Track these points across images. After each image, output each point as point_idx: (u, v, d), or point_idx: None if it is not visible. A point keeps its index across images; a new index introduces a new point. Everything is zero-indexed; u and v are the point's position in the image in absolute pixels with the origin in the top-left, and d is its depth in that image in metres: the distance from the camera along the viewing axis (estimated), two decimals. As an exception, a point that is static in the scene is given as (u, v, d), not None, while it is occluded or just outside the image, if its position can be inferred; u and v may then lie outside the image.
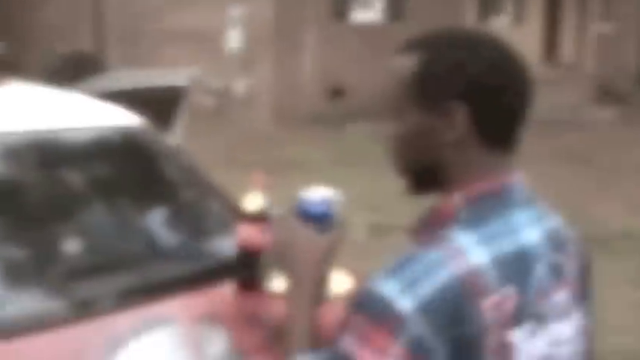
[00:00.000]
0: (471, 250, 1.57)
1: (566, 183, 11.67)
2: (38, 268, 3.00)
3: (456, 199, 1.65)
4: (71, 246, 3.13)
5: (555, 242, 1.71)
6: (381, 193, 9.17)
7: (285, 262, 1.80)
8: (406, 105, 1.68)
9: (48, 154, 3.51)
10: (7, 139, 3.39)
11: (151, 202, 3.51)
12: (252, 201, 2.78)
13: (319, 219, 1.84)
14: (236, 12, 15.27)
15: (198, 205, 3.70)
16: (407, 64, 1.68)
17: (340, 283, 2.85)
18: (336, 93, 16.16)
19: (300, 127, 14.94)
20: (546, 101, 17.69)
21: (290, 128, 14.79)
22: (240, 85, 15.69)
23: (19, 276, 2.95)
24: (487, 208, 1.64)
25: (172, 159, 3.78)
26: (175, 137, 5.48)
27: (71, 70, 14.82)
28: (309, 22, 15.63)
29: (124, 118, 3.82)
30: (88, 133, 3.67)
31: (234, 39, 15.42)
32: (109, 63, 17.41)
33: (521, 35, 19.37)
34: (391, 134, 1.72)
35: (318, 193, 1.86)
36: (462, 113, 1.62)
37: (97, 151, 3.67)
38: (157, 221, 3.34)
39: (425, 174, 1.72)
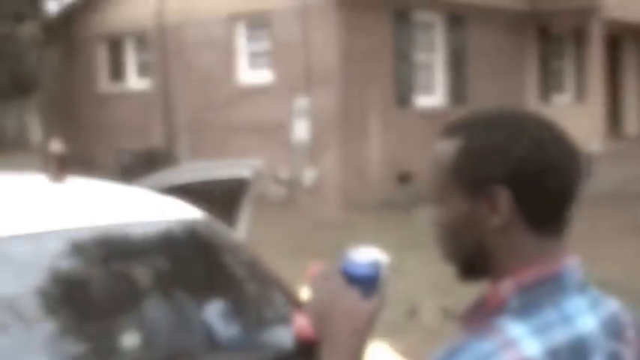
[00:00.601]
0: (523, 342, 1.48)
1: (635, 259, 11.46)
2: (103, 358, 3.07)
3: (505, 286, 1.57)
4: (131, 340, 3.18)
5: (613, 329, 1.61)
6: (452, 276, 9.08)
7: (322, 325, 1.64)
8: (449, 191, 1.63)
9: (111, 248, 3.60)
10: (72, 235, 3.50)
11: (211, 295, 3.55)
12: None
13: (365, 282, 1.68)
14: (301, 103, 15.51)
15: (258, 298, 3.72)
16: (447, 148, 1.63)
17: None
18: (403, 178, 16.22)
19: (369, 213, 14.97)
20: (613, 175, 17.54)
21: (358, 215, 14.83)
22: (308, 174, 15.85)
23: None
24: (538, 295, 1.55)
25: (233, 252, 3.84)
26: (241, 228, 5.55)
27: (143, 166, 15.09)
28: (373, 109, 15.80)
29: (186, 212, 3.90)
30: (149, 228, 3.76)
31: (300, 129, 15.64)
32: (179, 157, 17.71)
33: (583, 112, 19.27)
34: (437, 221, 1.66)
35: (366, 255, 1.76)
36: (504, 197, 1.55)
37: (158, 245, 3.75)
38: (216, 314, 3.37)
39: (472, 261, 1.65)
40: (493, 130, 1.60)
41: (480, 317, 1.59)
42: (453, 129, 1.66)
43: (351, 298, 1.67)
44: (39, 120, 24.34)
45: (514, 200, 1.56)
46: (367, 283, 1.70)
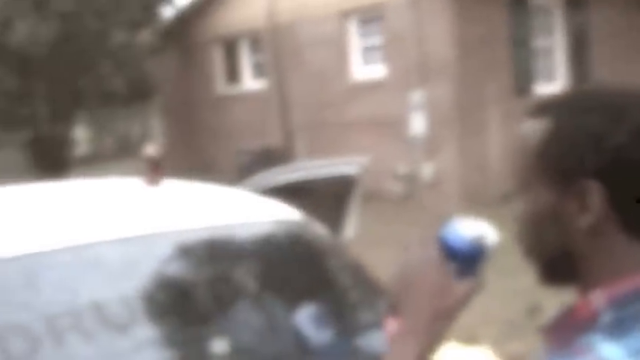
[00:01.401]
0: None
1: None
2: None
3: (596, 298, 1.33)
4: (223, 345, 3.08)
5: None
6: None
7: (405, 299, 1.41)
8: (534, 179, 1.40)
9: (205, 251, 3.53)
10: (177, 237, 3.43)
11: (308, 300, 3.42)
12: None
13: (464, 260, 1.43)
14: (417, 96, 15.26)
15: (357, 303, 3.58)
16: (535, 130, 1.41)
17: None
18: (525, 169, 15.80)
19: (489, 207, 14.59)
20: None
21: (479, 209, 14.47)
22: (426, 170, 15.59)
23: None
24: (635, 312, 1.30)
25: (332, 255, 3.71)
26: (348, 227, 5.40)
27: (261, 167, 15.12)
28: (491, 100, 15.42)
29: (284, 214, 3.79)
30: (245, 230, 3.67)
31: (417, 123, 15.39)
32: (296, 156, 17.72)
33: None
34: (519, 213, 1.43)
35: (473, 228, 1.51)
36: (597, 194, 1.32)
37: (253, 248, 3.66)
38: (312, 319, 3.25)
39: (555, 263, 1.41)
40: (588, 111, 1.36)
41: (566, 331, 1.35)
42: (542, 108, 1.43)
43: (444, 275, 1.44)
44: (160, 125, 24.79)
45: (608, 198, 1.31)
46: (466, 260, 1.46)
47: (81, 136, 29.98)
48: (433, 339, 1.43)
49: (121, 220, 3.51)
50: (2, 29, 17.80)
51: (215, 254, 3.57)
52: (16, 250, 3.17)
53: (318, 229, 3.81)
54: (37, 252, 3.18)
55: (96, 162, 26.88)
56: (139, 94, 20.93)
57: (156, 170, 4.10)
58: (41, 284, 3.09)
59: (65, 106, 19.81)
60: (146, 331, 3.06)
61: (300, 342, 3.21)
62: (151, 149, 4.14)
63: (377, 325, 3.14)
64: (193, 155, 21.19)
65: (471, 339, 3.50)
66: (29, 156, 20.90)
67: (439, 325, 1.43)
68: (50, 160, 19.85)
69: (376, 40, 16.92)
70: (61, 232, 3.34)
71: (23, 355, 2.79)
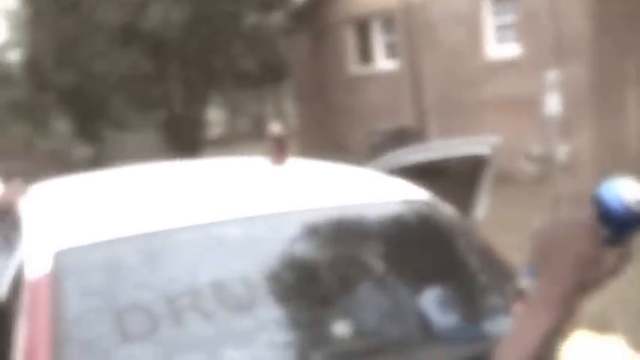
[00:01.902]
0: None
1: None
2: (314, 347, 2.94)
3: None
4: (344, 327, 3.01)
5: None
6: None
7: (547, 266, 1.28)
8: None
9: (331, 231, 3.48)
10: (302, 217, 3.39)
11: (433, 282, 3.32)
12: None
13: (619, 225, 1.28)
14: (552, 76, 14.86)
15: (484, 287, 3.44)
16: None
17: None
18: (665, 151, 15.25)
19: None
20: None
21: (617, 191, 14.08)
22: (561, 151, 15.18)
23: (296, 355, 2.89)
24: None
25: (460, 236, 3.59)
26: (479, 208, 5.27)
27: (393, 147, 15.04)
28: (630, 80, 14.89)
29: (411, 194, 3.70)
30: (370, 210, 3.59)
31: (552, 104, 14.99)
32: (429, 135, 17.55)
33: None
34: None
35: (634, 191, 1.32)
36: None
37: (379, 228, 3.57)
38: (437, 303, 3.15)
39: None
40: None
41: None
42: None
43: (594, 242, 1.29)
44: (293, 106, 24.96)
45: None
46: (620, 226, 1.30)
47: (215, 117, 30.46)
48: (568, 313, 1.29)
49: (244, 199, 3.48)
50: (137, 13, 18.17)
51: (340, 234, 3.50)
52: (139, 229, 3.18)
53: (447, 210, 3.70)
54: (159, 230, 3.18)
55: (229, 143, 27.27)
56: (271, 75, 21.09)
57: (281, 149, 4.06)
58: (163, 263, 3.08)
59: (199, 88, 20.13)
60: (268, 312, 3.01)
61: (425, 325, 3.12)
62: (276, 127, 4.10)
63: (505, 310, 3.02)
64: (326, 136, 21.25)
65: (603, 326, 3.34)
66: (164, 137, 21.35)
67: (579, 297, 1.29)
68: (184, 141, 20.22)
69: (510, 17, 16.56)
70: (184, 210, 3.33)
71: (143, 334, 2.79)
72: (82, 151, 27.70)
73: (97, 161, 22.65)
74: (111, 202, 3.67)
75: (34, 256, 3.06)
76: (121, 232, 3.15)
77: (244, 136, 31.52)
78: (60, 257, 3.01)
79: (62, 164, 23.41)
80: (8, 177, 5.52)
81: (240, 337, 2.89)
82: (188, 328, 2.84)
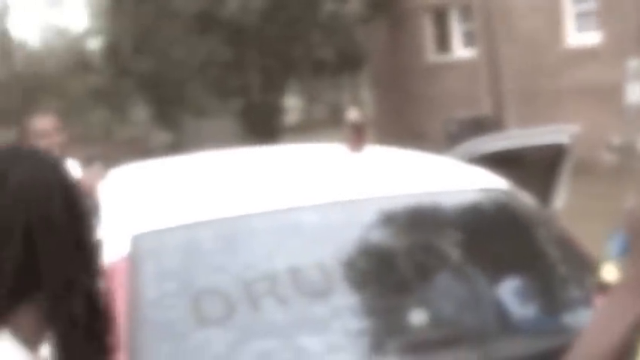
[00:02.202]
0: None
1: None
2: (389, 336, 2.91)
3: None
4: (421, 316, 2.98)
5: None
6: None
7: (638, 243, 1.22)
8: None
9: (408, 218, 3.46)
10: (379, 204, 3.37)
11: (510, 272, 3.27)
12: (610, 271, 2.45)
13: None
14: (634, 65, 14.57)
15: (564, 278, 3.38)
16: None
17: None
18: None
19: None
20: None
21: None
22: (642, 140, 14.90)
23: (368, 347, 2.88)
24: None
25: (539, 225, 3.53)
26: (557, 198, 5.19)
27: (470, 135, 14.93)
28: None
29: (489, 182, 3.65)
30: (448, 198, 3.55)
31: (633, 93, 14.71)
32: (506, 124, 17.37)
33: None
34: None
35: None
36: None
37: (457, 216, 3.54)
38: (514, 293, 3.10)
39: None
40: None
41: None
42: None
43: None
44: (369, 95, 24.91)
45: None
46: None
47: (292, 104, 30.57)
48: None
49: (322, 186, 3.47)
50: (215, 1, 18.30)
51: (418, 222, 3.47)
52: (216, 214, 3.19)
53: (526, 199, 3.64)
54: (237, 216, 3.18)
55: (305, 131, 27.32)
56: (348, 63, 21.09)
57: (359, 136, 4.03)
58: (240, 248, 3.09)
59: (276, 76, 20.20)
60: (344, 299, 3.00)
61: (502, 316, 3.08)
62: (354, 114, 4.07)
63: (586, 302, 2.96)
64: (402, 124, 21.18)
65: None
66: (241, 124, 21.48)
67: None
68: (262, 128, 20.33)
69: (590, 5, 16.28)
70: (261, 196, 3.33)
71: (220, 318, 2.80)
72: (160, 137, 28.04)
73: (174, 148, 22.90)
74: (189, 187, 3.70)
75: (113, 239, 3.10)
76: (198, 216, 3.17)
77: (320, 124, 31.56)
78: (138, 241, 3.04)
79: (140, 150, 23.73)
80: (88, 162, 5.61)
81: (316, 323, 2.89)
82: (264, 314, 2.84)
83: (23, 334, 1.58)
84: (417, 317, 2.98)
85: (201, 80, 19.93)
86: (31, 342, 1.60)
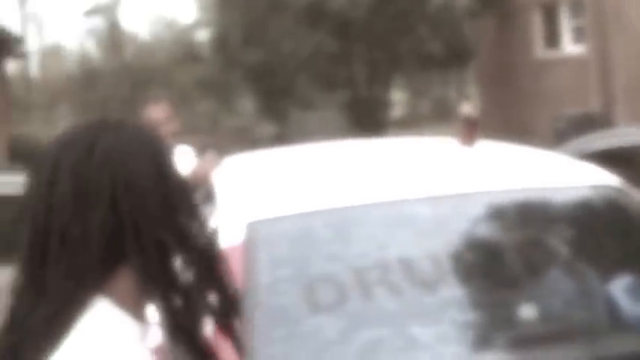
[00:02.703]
0: None
1: None
2: (498, 329, 2.94)
3: None
4: (529, 311, 2.99)
5: None
6: None
7: None
8: None
9: (518, 213, 3.48)
10: (489, 198, 3.40)
11: (622, 269, 3.25)
12: None
13: None
14: None
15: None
16: None
17: None
18: None
19: None
20: None
21: None
22: None
23: (477, 340, 2.90)
24: None
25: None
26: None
27: (578, 132, 14.71)
28: None
29: (601, 179, 3.62)
30: (560, 194, 3.54)
31: None
32: (616, 122, 17.04)
33: None
34: None
35: None
36: None
37: (568, 212, 3.53)
38: (627, 290, 3.08)
39: None
40: None
41: None
42: None
43: None
44: (475, 90, 24.73)
45: None
46: None
47: (397, 98, 30.54)
48: None
49: (433, 179, 3.50)
50: (325, -7, 18.41)
51: (527, 217, 3.48)
52: (329, 204, 3.25)
53: (637, 196, 3.61)
54: (350, 206, 3.24)
55: (411, 124, 27.27)
56: (456, 58, 20.95)
57: (472, 130, 4.04)
58: (353, 237, 3.15)
59: (383, 69, 20.21)
60: (453, 291, 3.03)
61: (613, 313, 3.06)
62: (467, 108, 4.08)
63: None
64: (509, 120, 20.96)
65: None
66: (347, 116, 21.55)
67: None
68: (367, 121, 20.36)
69: None
70: (373, 187, 3.38)
71: (333, 304, 2.86)
72: (265, 128, 28.32)
73: (280, 139, 23.12)
74: (302, 177, 3.77)
75: (228, 225, 3.18)
76: (311, 205, 3.24)
77: (424, 119, 31.46)
78: (252, 227, 3.12)
79: (246, 141, 24.02)
80: (203, 150, 5.75)
81: (426, 314, 2.92)
82: (374, 302, 2.89)
83: (122, 299, 1.63)
84: (527, 312, 2.99)
85: (309, 73, 20.05)
86: (131, 307, 1.64)
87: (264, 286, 2.92)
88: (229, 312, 1.72)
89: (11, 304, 1.64)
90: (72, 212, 1.60)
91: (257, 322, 2.78)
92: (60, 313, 1.58)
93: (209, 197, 3.99)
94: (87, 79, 34.75)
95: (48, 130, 30.18)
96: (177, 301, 1.65)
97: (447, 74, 27.92)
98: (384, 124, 21.13)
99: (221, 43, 22.46)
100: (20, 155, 18.11)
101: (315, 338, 2.80)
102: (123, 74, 33.47)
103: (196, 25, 32.88)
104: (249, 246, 3.04)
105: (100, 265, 1.61)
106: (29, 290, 1.62)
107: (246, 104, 29.36)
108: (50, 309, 1.58)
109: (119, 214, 1.61)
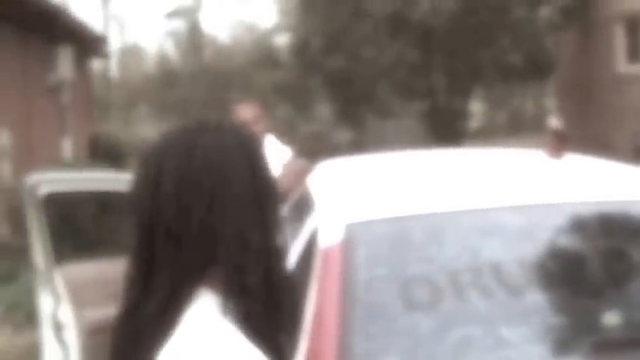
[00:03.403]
0: None
1: None
2: (581, 334, 3.07)
3: None
4: (612, 318, 3.10)
5: None
6: None
7: None
8: None
9: (605, 224, 3.58)
10: (574, 209, 3.54)
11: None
12: None
13: None
14: None
15: None
16: None
17: None
18: None
19: None
20: None
21: None
22: None
23: (561, 343, 3.02)
24: None
25: None
26: None
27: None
28: None
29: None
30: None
31: None
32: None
33: None
34: None
35: None
36: None
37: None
38: None
39: None
40: None
41: None
42: None
43: None
44: (553, 102, 24.57)
45: None
46: None
47: (476, 109, 30.45)
48: None
49: (522, 189, 3.65)
50: (407, 2, 18.49)
51: (611, 228, 3.59)
52: (425, 209, 3.42)
53: None
54: (444, 212, 3.40)
55: (488, 135, 27.20)
56: (536, 70, 20.88)
57: (560, 143, 4.17)
58: (446, 241, 3.31)
59: (463, 80, 20.22)
60: (539, 295, 3.16)
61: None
62: (555, 121, 4.22)
63: None
64: (587, 134, 20.83)
65: None
66: (426, 126, 21.61)
67: None
68: (446, 131, 20.40)
69: None
70: (465, 195, 3.54)
71: (427, 303, 3.02)
72: (342, 135, 28.47)
73: (356, 145, 23.25)
74: (396, 182, 3.96)
75: (328, 227, 3.37)
76: (407, 210, 3.41)
77: (501, 130, 31.32)
78: (351, 229, 3.30)
79: (323, 147, 24.20)
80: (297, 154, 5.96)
81: (514, 316, 3.06)
82: (466, 303, 3.04)
83: (217, 293, 1.75)
84: (610, 319, 3.11)
85: (388, 81, 20.15)
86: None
87: (361, 284, 3.08)
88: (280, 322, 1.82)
89: (124, 294, 1.79)
90: (175, 211, 1.74)
91: (354, 317, 2.95)
92: (169, 304, 1.72)
93: (303, 201, 4.19)
94: (165, 80, 35.25)
95: (126, 129, 30.69)
96: (255, 304, 1.75)
97: (526, 86, 27.78)
98: (462, 134, 21.15)
99: (301, 48, 22.66)
100: (99, 153, 18.55)
101: (410, 335, 2.94)
102: (201, 76, 33.87)
103: (276, 29, 33.16)
104: (348, 246, 3.21)
105: (202, 260, 1.74)
106: (140, 282, 1.76)
107: (323, 110, 29.53)
108: (160, 300, 1.72)
109: (215, 213, 1.74)
